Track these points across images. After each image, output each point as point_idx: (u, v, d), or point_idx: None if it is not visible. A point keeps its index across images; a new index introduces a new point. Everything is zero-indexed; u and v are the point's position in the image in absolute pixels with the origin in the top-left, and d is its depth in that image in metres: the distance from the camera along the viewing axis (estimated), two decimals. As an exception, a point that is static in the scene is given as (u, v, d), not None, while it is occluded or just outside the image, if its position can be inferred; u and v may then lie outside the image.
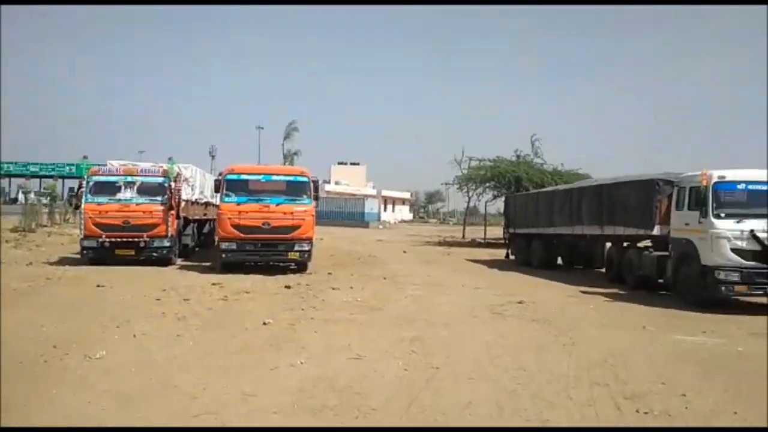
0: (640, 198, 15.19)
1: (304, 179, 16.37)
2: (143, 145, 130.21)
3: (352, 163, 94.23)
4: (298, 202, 16.06)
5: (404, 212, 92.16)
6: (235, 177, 16.14)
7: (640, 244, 15.87)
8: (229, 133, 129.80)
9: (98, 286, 12.65)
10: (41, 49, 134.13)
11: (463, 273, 18.53)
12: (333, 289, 13.78)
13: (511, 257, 23.09)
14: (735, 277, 11.93)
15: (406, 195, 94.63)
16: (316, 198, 16.53)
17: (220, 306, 10.95)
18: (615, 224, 16.35)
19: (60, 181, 50.23)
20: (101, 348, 7.34)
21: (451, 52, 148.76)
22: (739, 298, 12.63)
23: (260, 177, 16.35)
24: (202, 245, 22.53)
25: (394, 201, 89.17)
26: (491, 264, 21.95)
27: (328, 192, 71.93)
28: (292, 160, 57.24)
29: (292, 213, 15.87)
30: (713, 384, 6.84)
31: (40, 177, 53.87)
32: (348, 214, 59.25)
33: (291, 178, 16.47)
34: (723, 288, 11.99)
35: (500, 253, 24.55)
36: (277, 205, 15.86)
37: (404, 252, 26.61)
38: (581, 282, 16.29)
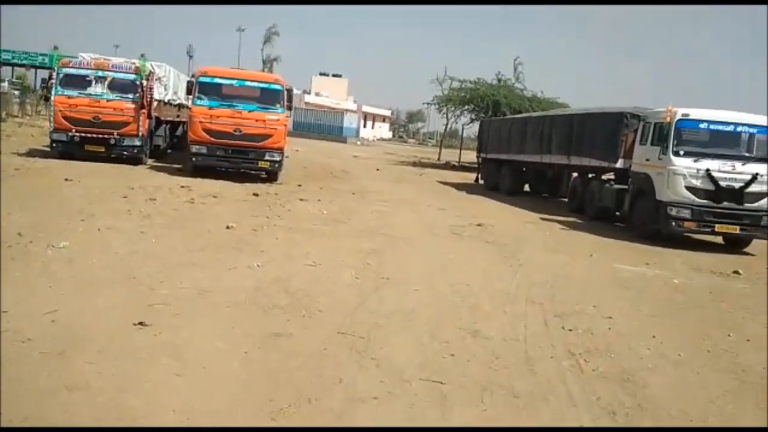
0: (607, 130, 15.47)
1: (278, 87, 16.26)
2: (119, 39, 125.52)
3: (334, 75, 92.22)
4: (270, 110, 16.01)
5: (384, 130, 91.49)
6: (208, 80, 15.95)
7: (605, 177, 16.28)
8: (209, 34, 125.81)
9: (66, 179, 12.74)
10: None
11: (432, 194, 18.86)
12: (301, 200, 14.03)
13: (481, 182, 23.47)
14: (686, 213, 12.42)
15: (387, 112, 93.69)
16: (290, 108, 16.49)
17: (186, 207, 11.20)
18: (581, 155, 16.67)
19: (32, 71, 48.75)
20: (65, 239, 7.59)
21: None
22: (690, 235, 13.23)
23: (234, 81, 16.17)
24: (174, 147, 22.40)
25: (374, 117, 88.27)
26: (460, 187, 22.30)
27: (307, 103, 70.95)
28: (271, 66, 56.16)
29: (264, 121, 15.86)
30: (641, 310, 7.36)
31: (12, 65, 52.07)
32: (326, 128, 58.83)
33: (265, 85, 16.33)
34: (673, 223, 12.49)
35: (472, 177, 24.91)
36: (250, 111, 15.79)
37: (377, 170, 26.78)
38: (544, 210, 16.73)
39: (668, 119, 12.60)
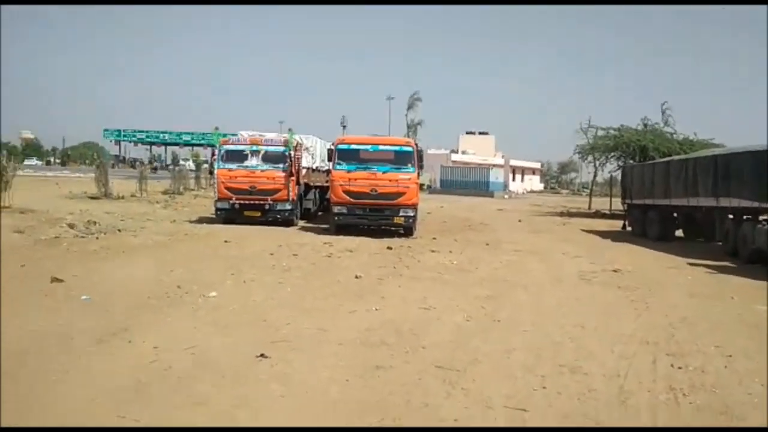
0: (755, 169, 14.58)
1: (409, 149, 17.28)
2: (283, 117, 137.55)
3: (480, 133, 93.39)
4: (403, 170, 17.01)
5: (535, 182, 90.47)
6: (345, 147, 17.39)
7: (761, 218, 15.21)
8: (361, 105, 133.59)
9: (225, 241, 14.39)
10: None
11: (571, 243, 18.57)
12: (432, 251, 14.62)
13: (628, 228, 22.66)
14: None
15: (536, 165, 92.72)
16: (420, 167, 17.38)
17: (323, 261, 12.21)
18: (731, 196, 15.75)
19: (207, 149, 55.04)
20: (215, 290, 8.73)
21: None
22: None
23: (368, 147, 17.47)
24: (325, 210, 24.15)
25: (524, 171, 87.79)
26: (605, 235, 21.70)
27: (454, 162, 72.51)
28: (415, 129, 58.20)
29: (397, 180, 16.87)
30: (762, 346, 6.96)
31: (191, 145, 59.24)
32: (473, 183, 59.47)
33: (397, 148, 17.43)
34: (834, 264, 11.45)
35: (620, 225, 24.09)
36: (384, 172, 16.91)
37: (519, 221, 26.79)
38: (694, 254, 15.87)
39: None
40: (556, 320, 8.11)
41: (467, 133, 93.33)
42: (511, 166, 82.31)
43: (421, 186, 60.58)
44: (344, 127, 79.01)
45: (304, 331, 6.85)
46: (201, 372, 5.33)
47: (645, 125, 32.44)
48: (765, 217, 15.03)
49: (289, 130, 20.59)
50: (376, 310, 8.07)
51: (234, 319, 7.31)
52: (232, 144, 19.46)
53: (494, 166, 70.34)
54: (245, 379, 5.27)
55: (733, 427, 4.42)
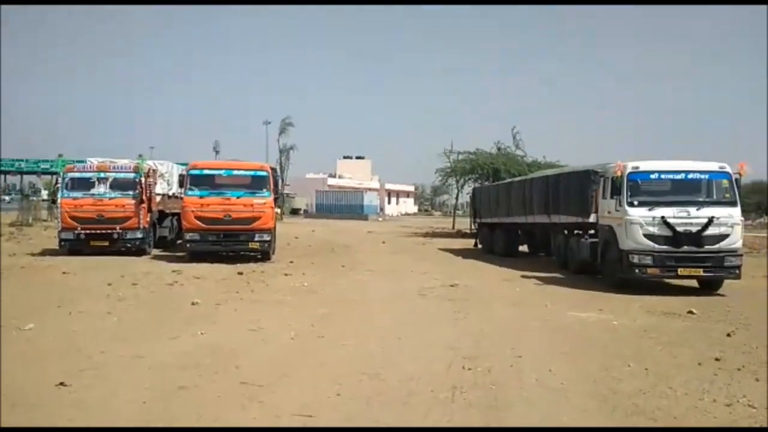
0: (579, 188, 16.07)
1: (264, 173, 17.44)
2: (153, 142, 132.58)
3: (357, 157, 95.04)
4: (258, 194, 17.12)
5: (409, 205, 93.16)
6: (197, 172, 17.24)
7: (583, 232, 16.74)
8: (236, 130, 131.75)
9: (63, 273, 13.81)
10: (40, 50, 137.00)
11: (424, 261, 19.42)
12: (285, 275, 14.82)
13: (479, 246, 24.05)
14: (648, 260, 12.82)
15: (411, 188, 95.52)
16: (275, 191, 17.59)
17: (163, 289, 12.05)
18: (559, 213, 17.24)
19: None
20: (34, 322, 8.43)
21: (452, 47, 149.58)
22: (670, 281, 13.57)
23: (221, 172, 17.48)
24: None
25: (398, 194, 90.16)
26: (459, 253, 22.90)
27: (330, 186, 73.28)
28: (288, 154, 58.42)
29: (252, 205, 16.94)
30: (557, 349, 7.80)
31: (47, 173, 55.72)
32: (347, 207, 60.42)
33: (251, 173, 17.54)
34: (637, 270, 12.88)
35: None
36: (238, 197, 16.93)
37: (383, 242, 27.59)
38: (531, 268, 17.14)
39: (619, 173, 13.23)
40: (379, 333, 8.61)
41: (344, 157, 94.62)
42: (386, 190, 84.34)
43: (296, 211, 60.56)
44: (217, 152, 77.62)
45: (118, 359, 6.83)
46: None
47: (499, 149, 34.66)
48: (591, 232, 16.66)
49: (140, 156, 20.29)
50: (202, 334, 8.15)
51: (45, 348, 7.14)
52: (77, 171, 18.70)
53: (369, 189, 71.79)
54: (40, 405, 5.23)
55: (734, 427, 4.75)
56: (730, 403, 5.69)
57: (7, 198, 49.66)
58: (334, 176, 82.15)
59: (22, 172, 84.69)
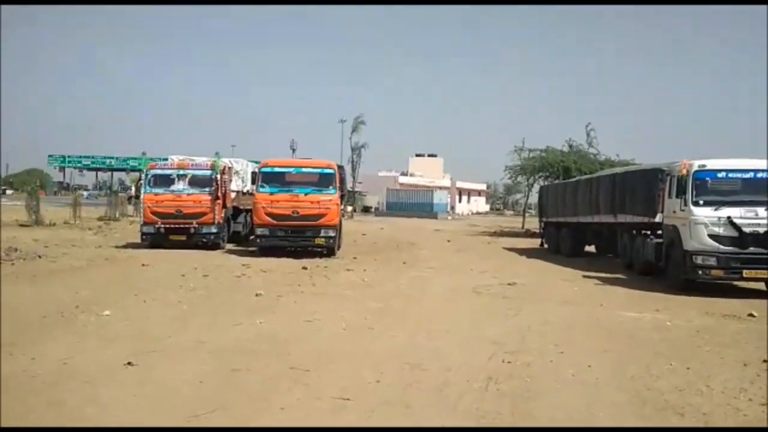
0: (645, 187, 15.82)
1: (331, 171, 18.07)
2: (236, 141, 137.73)
3: (429, 155, 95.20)
4: (324, 192, 17.76)
5: (480, 203, 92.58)
6: (268, 170, 18.10)
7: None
8: (314, 129, 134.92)
9: (143, 264, 14.83)
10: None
11: (487, 260, 19.49)
12: (347, 270, 15.33)
13: (545, 246, 23.88)
14: (712, 261, 12.53)
15: (482, 186, 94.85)
16: (342, 189, 18.17)
17: (232, 281, 12.80)
18: (625, 212, 16.99)
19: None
20: (111, 308, 9.23)
21: (528, 43, 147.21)
22: (737, 284, 13.28)
23: (291, 169, 18.25)
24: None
25: (470, 192, 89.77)
26: (524, 252, 22.82)
27: (401, 184, 73.85)
28: (359, 152, 59.38)
29: (318, 202, 17.60)
30: (602, 347, 7.90)
31: (135, 170, 59.03)
32: (417, 206, 60.70)
33: (319, 171, 18.20)
34: (700, 272, 12.63)
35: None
36: (306, 194, 17.63)
37: (448, 241, 27.75)
38: (596, 268, 16.93)
39: (685, 171, 12.96)
40: (428, 326, 8.93)
41: (417, 155, 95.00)
42: (457, 188, 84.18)
43: (368, 209, 61.37)
44: (293, 150, 79.67)
45: (183, 343, 7.46)
46: (65, 379, 5.90)
47: (570, 146, 34.09)
48: (657, 232, 16.33)
49: (216, 153, 21.26)
50: (261, 323, 8.71)
51: (118, 333, 7.86)
52: (158, 168, 19.93)
53: (439, 188, 71.86)
54: (108, 382, 5.86)
55: (734, 427, 4.88)
56: (765, 403, 5.69)
57: (85, 194, 52.60)
58: (406, 174, 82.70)
59: (112, 170, 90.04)
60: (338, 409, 5.34)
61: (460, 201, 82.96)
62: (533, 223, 39.96)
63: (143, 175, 19.77)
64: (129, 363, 6.39)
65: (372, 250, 21.36)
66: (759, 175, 12.88)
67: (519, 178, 36.43)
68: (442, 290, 12.73)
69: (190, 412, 5.11)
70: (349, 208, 52.15)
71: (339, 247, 19.41)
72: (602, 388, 6.08)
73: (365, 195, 71.84)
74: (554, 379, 6.35)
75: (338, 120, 64.63)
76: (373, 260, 17.93)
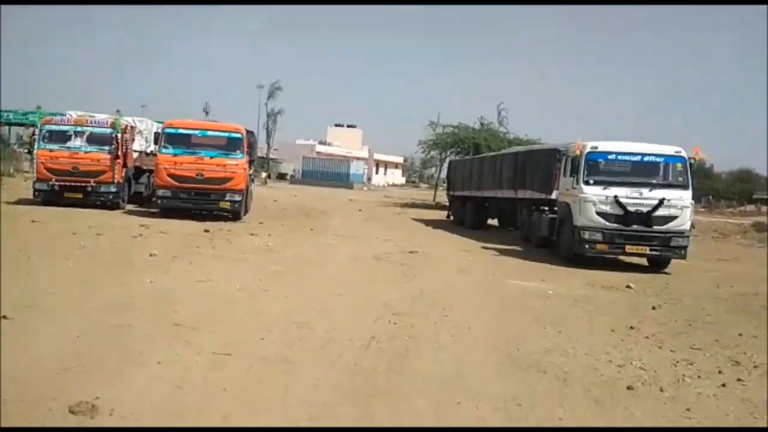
0: (544, 165, 16.53)
1: (239, 135, 17.73)
2: (146, 100, 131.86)
3: (348, 126, 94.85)
4: (231, 156, 17.43)
5: (397, 176, 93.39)
6: (173, 131, 17.52)
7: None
8: (231, 93, 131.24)
9: (33, 221, 14.14)
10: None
11: (394, 230, 19.75)
12: (251, 234, 15.18)
13: (451, 218, 24.54)
14: (597, 236, 13.31)
15: (399, 159, 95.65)
16: (249, 154, 17.90)
17: (127, 241, 12.44)
18: (525, 188, 17.70)
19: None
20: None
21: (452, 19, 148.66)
22: (622, 258, 14.12)
23: (196, 132, 17.75)
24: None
25: (387, 164, 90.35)
26: (430, 223, 23.34)
27: (318, 153, 73.32)
28: (275, 118, 58.39)
29: (224, 165, 17.27)
30: (486, 311, 8.31)
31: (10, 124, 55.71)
32: (334, 175, 60.52)
33: (226, 134, 17.81)
34: (587, 246, 13.39)
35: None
36: (211, 158, 17.25)
37: (359, 210, 27.94)
38: (495, 241, 17.56)
39: (578, 152, 13.62)
40: (322, 290, 9.05)
41: (336, 125, 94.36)
42: (375, 160, 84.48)
43: (283, 176, 60.55)
44: (207, 113, 77.12)
45: (64, 298, 7.25)
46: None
47: (482, 124, 34.98)
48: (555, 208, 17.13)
49: (117, 111, 20.35)
50: (151, 282, 8.56)
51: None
52: (54, 124, 18.90)
53: (356, 158, 71.87)
54: None
55: (734, 427, 4.96)
56: (623, 365, 6.18)
57: None
58: (324, 143, 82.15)
59: (10, 123, 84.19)
60: (217, 364, 5.38)
61: (377, 173, 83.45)
62: (444, 197, 41.01)
63: (37, 130, 18.70)
64: (4, 317, 6.15)
65: (281, 216, 21.23)
66: (646, 158, 13.73)
67: (432, 153, 37.02)
68: (344, 257, 12.87)
69: (62, 365, 5.01)
70: (264, 174, 51.47)
71: (246, 212, 19.20)
72: (477, 349, 6.41)
73: (281, 162, 70.94)
74: (434, 340, 6.64)
75: (256, 86, 63.19)
76: (279, 226, 17.84)
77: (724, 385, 5.70)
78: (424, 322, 7.42)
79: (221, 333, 6.35)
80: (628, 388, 5.47)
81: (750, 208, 54.37)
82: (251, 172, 20.05)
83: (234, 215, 17.98)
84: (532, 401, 4.99)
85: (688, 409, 5.07)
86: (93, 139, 18.40)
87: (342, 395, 4.88)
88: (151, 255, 10.73)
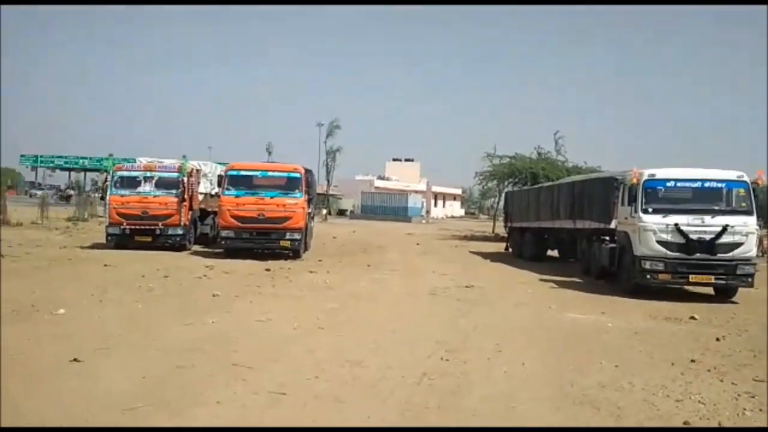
0: (601, 194, 16.33)
1: (297, 175, 18.30)
2: (212, 143, 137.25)
3: (406, 159, 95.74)
4: (290, 195, 17.99)
5: (455, 208, 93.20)
6: (235, 173, 18.27)
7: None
8: (291, 132, 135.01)
9: (105, 265, 14.91)
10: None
11: (451, 263, 19.81)
12: (310, 272, 15.55)
13: (509, 250, 24.32)
14: (659, 266, 13.00)
15: (458, 191, 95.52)
16: (308, 192, 18.43)
17: (191, 282, 12.94)
18: (583, 218, 17.48)
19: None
20: (67, 308, 9.36)
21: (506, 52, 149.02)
22: (688, 288, 13.73)
23: (257, 173, 18.46)
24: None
25: (445, 196, 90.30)
26: (488, 256, 23.23)
27: (377, 187, 74.10)
28: (334, 156, 59.49)
29: (284, 205, 17.82)
30: (542, 346, 8.25)
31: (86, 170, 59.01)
32: (392, 209, 61.00)
33: (285, 174, 18.41)
34: (648, 276, 13.09)
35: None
36: (272, 198, 17.85)
37: (417, 244, 28.08)
38: (554, 272, 17.39)
39: (636, 180, 13.43)
40: (376, 327, 9.19)
41: (394, 159, 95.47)
42: (433, 192, 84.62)
43: (343, 212, 61.44)
44: (269, 153, 79.48)
45: (131, 341, 7.64)
46: (8, 373, 6.04)
47: (539, 153, 34.71)
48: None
49: (183, 156, 21.33)
50: (213, 323, 8.91)
51: (69, 331, 7.99)
52: (125, 170, 19.99)
53: (414, 191, 72.24)
54: (51, 377, 6.05)
55: (733, 427, 5.06)
56: (681, 399, 6.05)
57: (38, 192, 51.31)
58: (383, 178, 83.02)
59: (85, 170, 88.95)
60: (273, 402, 5.58)
61: (435, 205, 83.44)
62: (503, 228, 40.65)
63: (109, 177, 19.80)
64: (75, 359, 6.56)
65: (339, 253, 21.60)
66: (707, 184, 13.40)
67: (489, 184, 36.89)
68: (399, 292, 13.01)
69: (126, 404, 5.31)
70: (324, 211, 52.37)
71: (306, 249, 19.67)
72: (529, 384, 6.40)
73: (340, 198, 71.98)
74: (486, 376, 6.67)
75: (316, 124, 64.68)
76: (338, 262, 18.18)
77: (787, 419, 5.50)
78: (476, 357, 7.45)
79: (277, 372, 6.57)
80: (684, 423, 5.36)
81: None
82: (310, 210, 20.56)
83: (294, 253, 18.45)
84: (583, 438, 4.97)
85: (747, 446, 4.93)
86: (161, 184, 19.33)
87: (391, 433, 4.99)
88: (214, 295, 11.15)
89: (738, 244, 12.80)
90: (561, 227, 19.56)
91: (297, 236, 18.06)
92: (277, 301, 11.06)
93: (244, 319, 9.31)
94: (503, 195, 28.52)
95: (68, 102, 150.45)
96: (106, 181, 19.90)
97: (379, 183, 77.84)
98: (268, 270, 15.32)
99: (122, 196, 19.14)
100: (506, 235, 26.16)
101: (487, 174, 35.61)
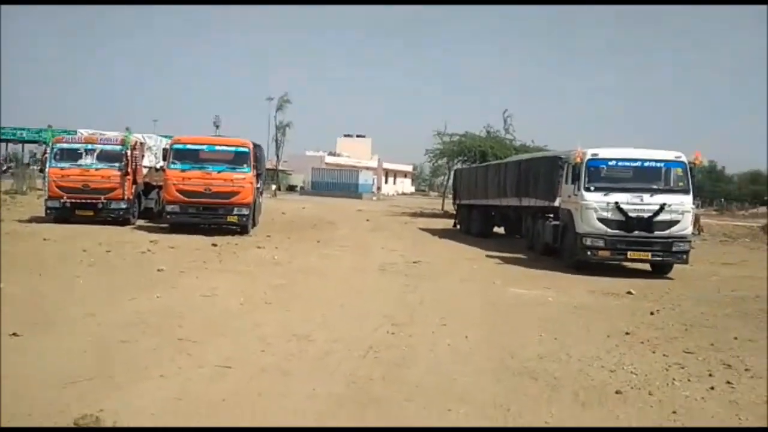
0: (546, 173, 16.67)
1: (245, 149, 18.01)
2: (157, 115, 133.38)
3: (358, 136, 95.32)
4: (238, 170, 17.72)
5: (406, 185, 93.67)
6: (180, 146, 17.84)
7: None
8: (238, 105, 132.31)
9: (44, 239, 14.46)
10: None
11: (400, 239, 19.95)
12: (258, 248, 15.43)
13: (458, 227, 24.68)
14: (599, 243, 13.44)
15: (408, 168, 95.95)
16: (256, 167, 18.19)
17: (135, 257, 12.70)
18: (529, 196, 17.84)
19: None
20: (3, 282, 9.02)
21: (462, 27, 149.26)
22: (626, 264, 14.31)
23: (204, 147, 18.05)
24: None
25: (396, 173, 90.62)
26: (437, 232, 23.50)
27: (327, 164, 73.71)
28: (284, 131, 58.72)
29: (232, 180, 17.56)
30: (485, 320, 8.47)
31: (24, 142, 56.79)
32: (343, 185, 60.85)
33: (233, 149, 18.09)
34: (589, 252, 13.52)
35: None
36: (219, 172, 17.54)
37: (367, 220, 28.13)
38: (501, 249, 17.72)
39: (579, 159, 13.78)
40: (325, 301, 9.24)
41: (345, 135, 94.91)
42: (384, 169, 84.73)
43: (293, 187, 60.87)
44: (217, 127, 77.84)
45: (72, 315, 7.48)
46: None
47: (488, 132, 35.15)
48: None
49: (127, 128, 20.73)
50: (158, 297, 8.79)
51: (8, 305, 7.72)
52: (65, 142, 19.31)
53: (365, 168, 72.19)
54: None
55: (733, 427, 5.08)
56: (615, 370, 6.32)
57: None
58: (334, 154, 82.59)
59: (23, 141, 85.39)
60: (218, 376, 5.58)
61: (386, 182, 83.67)
62: (452, 206, 41.14)
63: (48, 149, 19.11)
64: (14, 334, 6.40)
65: (288, 229, 21.45)
66: (647, 164, 13.86)
67: (439, 162, 37.20)
68: (348, 268, 13.07)
69: (67, 379, 5.23)
70: (273, 187, 51.80)
71: (254, 225, 19.48)
72: (472, 357, 6.58)
73: (290, 174, 71.35)
74: (430, 349, 6.81)
75: (266, 98, 63.64)
76: (287, 238, 18.08)
77: (712, 388, 5.83)
78: (422, 331, 7.60)
79: (223, 346, 6.56)
80: (617, 392, 5.62)
81: (762, 210, 54.01)
82: (259, 185, 20.33)
83: (242, 229, 18.23)
84: (521, 407, 5.15)
85: (674, 412, 5.21)
86: (103, 157, 18.76)
87: (336, 404, 5.07)
88: (159, 270, 10.99)
89: (674, 222, 13.32)
90: (507, 205, 19.93)
91: (245, 211, 17.84)
92: (224, 277, 10.97)
93: (189, 295, 9.21)
94: (452, 173, 28.79)
95: (3, 70, 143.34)
96: (45, 153, 19.16)
97: (329, 159, 77.42)
98: (214, 245, 15.14)
99: (62, 168, 18.50)
100: (455, 212, 26.50)
101: (438, 152, 35.93)
